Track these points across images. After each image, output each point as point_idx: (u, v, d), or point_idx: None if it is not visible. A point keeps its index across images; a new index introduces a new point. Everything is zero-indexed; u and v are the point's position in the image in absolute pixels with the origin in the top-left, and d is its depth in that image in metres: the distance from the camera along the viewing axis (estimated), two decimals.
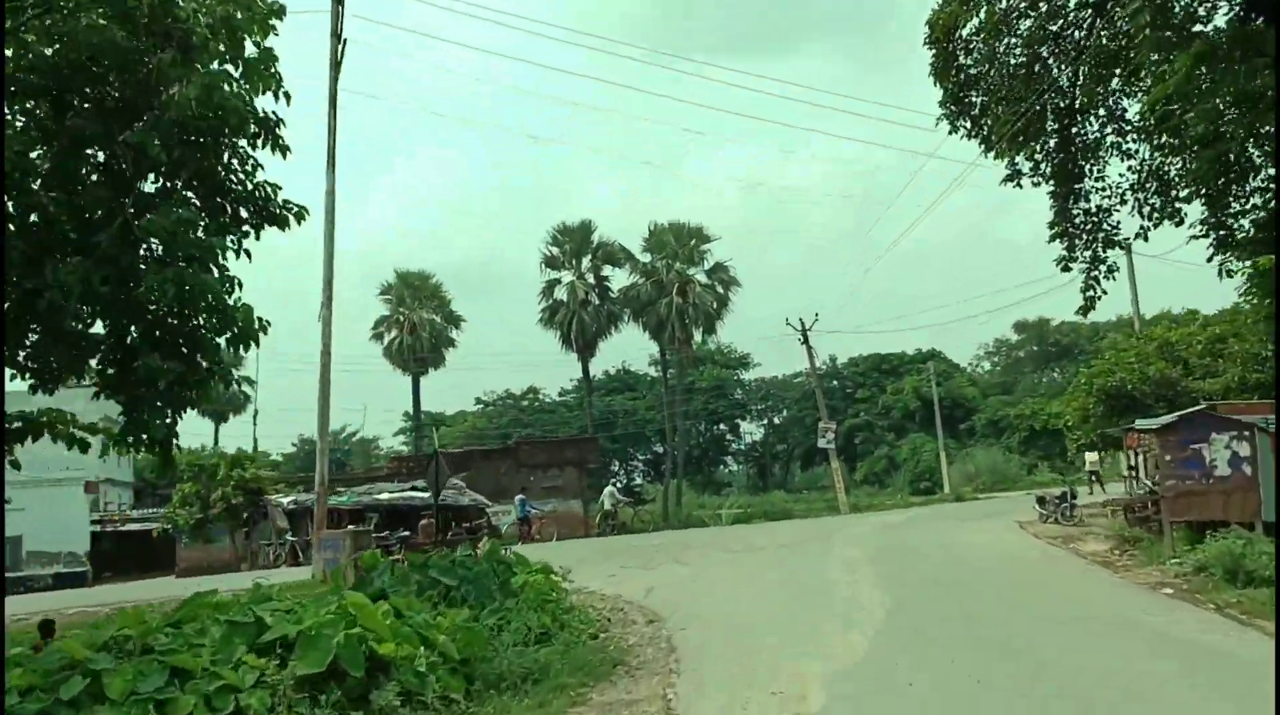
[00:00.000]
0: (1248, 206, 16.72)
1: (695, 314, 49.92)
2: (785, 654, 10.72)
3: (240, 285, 11.57)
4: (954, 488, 51.61)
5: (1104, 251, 19.14)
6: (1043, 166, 19.41)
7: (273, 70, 11.73)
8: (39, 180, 10.65)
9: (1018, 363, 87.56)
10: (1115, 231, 19.11)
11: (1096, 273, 19.02)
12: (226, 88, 11.29)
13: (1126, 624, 11.54)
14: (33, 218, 10.41)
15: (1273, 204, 16.00)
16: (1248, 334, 22.68)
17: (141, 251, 11.18)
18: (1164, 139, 17.40)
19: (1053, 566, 17.29)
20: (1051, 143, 19.26)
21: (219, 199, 11.90)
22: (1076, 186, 19.21)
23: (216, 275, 11.31)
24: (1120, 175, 18.95)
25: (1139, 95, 18.17)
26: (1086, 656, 9.85)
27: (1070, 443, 31.04)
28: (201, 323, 11.47)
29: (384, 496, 34.91)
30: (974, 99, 19.31)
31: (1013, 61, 18.87)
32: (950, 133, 19.58)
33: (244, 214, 12.08)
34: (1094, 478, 36.17)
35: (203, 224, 11.53)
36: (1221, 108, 14.25)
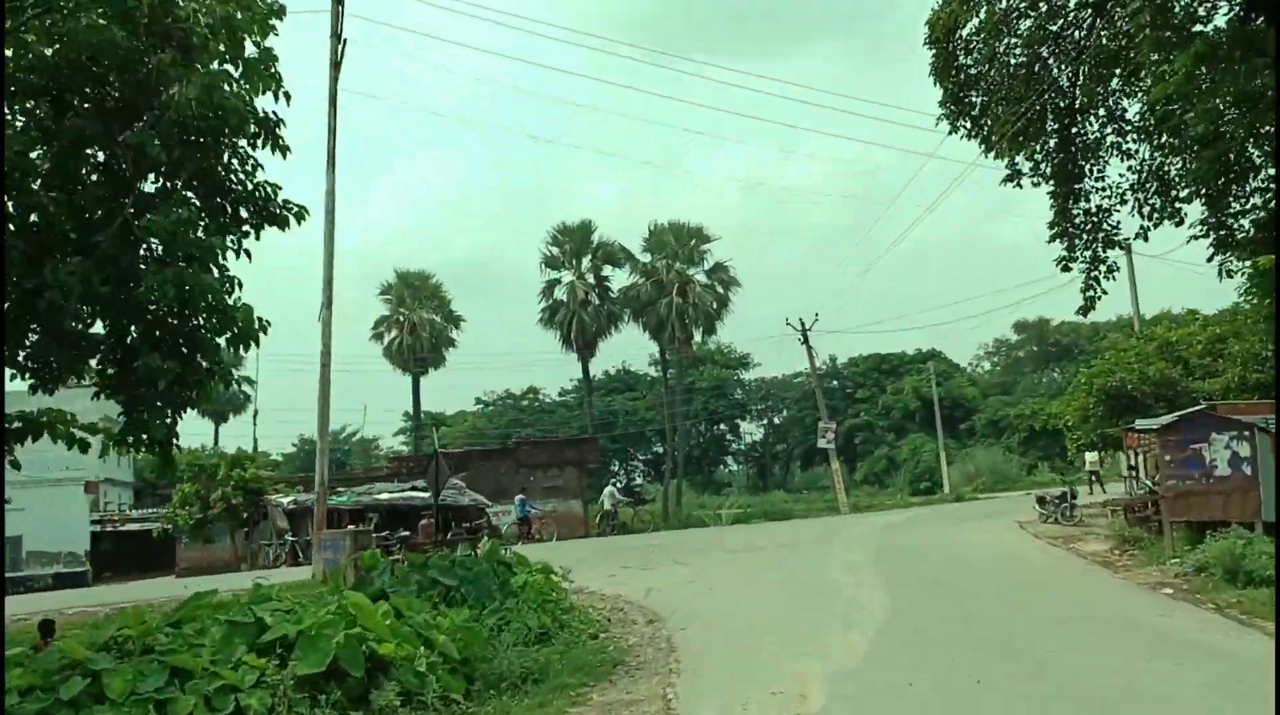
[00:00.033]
0: (1248, 206, 16.75)
1: (695, 314, 49.89)
2: (785, 654, 10.71)
3: (240, 285, 11.58)
4: (954, 488, 51.60)
5: (1104, 251, 19.17)
6: (1043, 166, 19.42)
7: (273, 70, 11.74)
8: (39, 180, 10.66)
9: (1018, 363, 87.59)
10: (1115, 231, 19.14)
11: (1096, 273, 19.04)
12: (226, 88, 11.30)
13: (1127, 624, 11.54)
14: (33, 218, 10.41)
15: (1273, 204, 16.01)
16: (1248, 334, 22.67)
17: (142, 251, 11.21)
18: (1164, 139, 17.43)
19: (1053, 567, 17.29)
20: (1051, 143, 19.28)
21: (219, 199, 11.91)
22: (1076, 186, 19.22)
23: (217, 275, 11.35)
24: (1120, 175, 19.00)
25: (1139, 95, 18.19)
26: (1087, 656, 9.84)
27: (1070, 443, 31.01)
28: (201, 323, 11.48)
29: (384, 496, 34.89)
30: (974, 99, 19.32)
31: (1013, 61, 18.90)
32: (950, 133, 19.60)
33: (244, 214, 12.08)
34: (1094, 478, 36.15)
35: (203, 224, 11.56)
36: (1222, 108, 14.24)
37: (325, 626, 8.57)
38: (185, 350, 11.46)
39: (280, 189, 12.05)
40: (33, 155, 10.61)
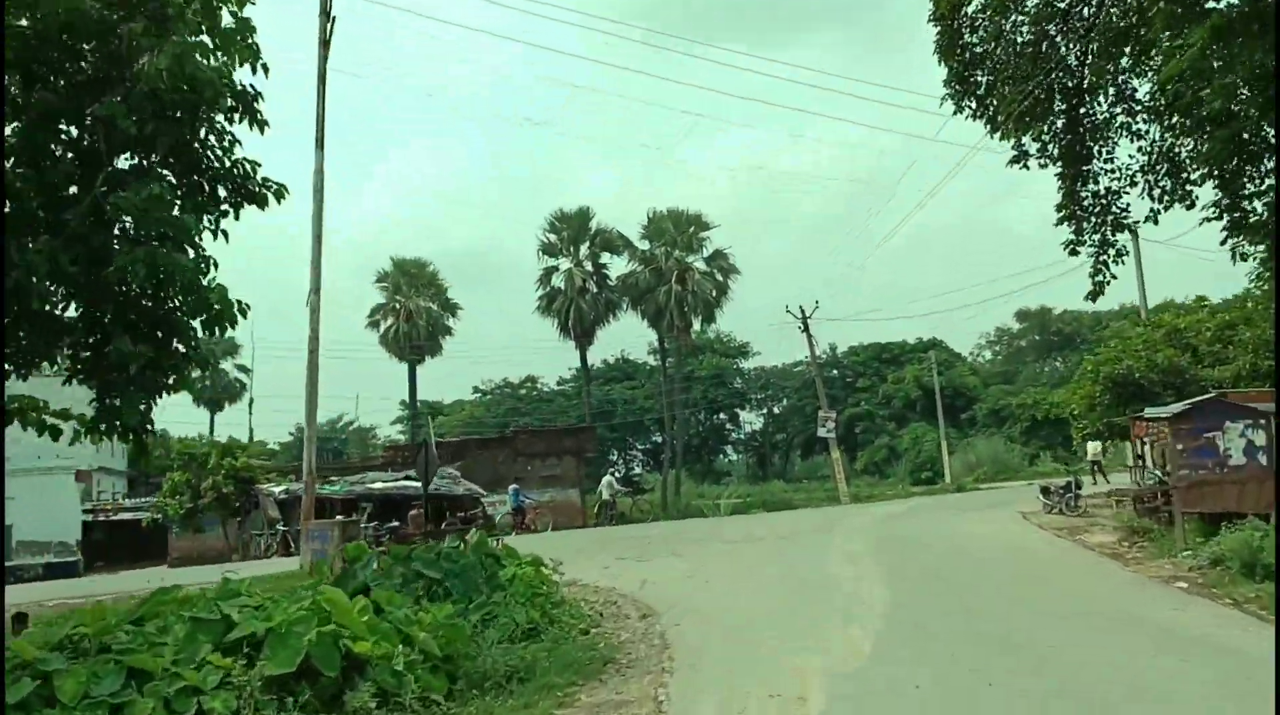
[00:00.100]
0: (1262, 188, 16.22)
1: (694, 302, 49.42)
2: (784, 651, 10.25)
3: (216, 266, 11.16)
4: (955, 478, 51.27)
5: (1113, 235, 18.62)
6: (1050, 148, 18.86)
7: (250, 42, 11.24)
8: (10, 158, 10.21)
9: (1019, 352, 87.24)
10: (1125, 214, 18.58)
11: (1105, 257, 18.50)
12: (201, 59, 10.83)
13: (1142, 620, 11.07)
14: None
15: None
16: (1259, 320, 22.17)
17: (116, 231, 10.77)
18: (1175, 119, 16.90)
19: (1061, 559, 16.85)
20: (1059, 123, 18.72)
21: (195, 176, 11.48)
22: (1085, 168, 18.66)
23: (192, 256, 10.93)
24: (1130, 157, 18.45)
25: (1149, 74, 17.66)
26: (1094, 652, 9.44)
27: (1076, 431, 30.56)
28: (176, 305, 11.06)
29: (377, 486, 34.48)
30: (979, 78, 18.74)
31: (1019, 39, 18.34)
32: (955, 113, 19.03)
33: (222, 193, 11.66)
34: (1095, 468, 35.78)
35: (179, 203, 11.14)
36: (1240, 83, 13.71)
37: (296, 624, 8.09)
38: (160, 334, 11.05)
39: (260, 166, 11.62)
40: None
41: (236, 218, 11.60)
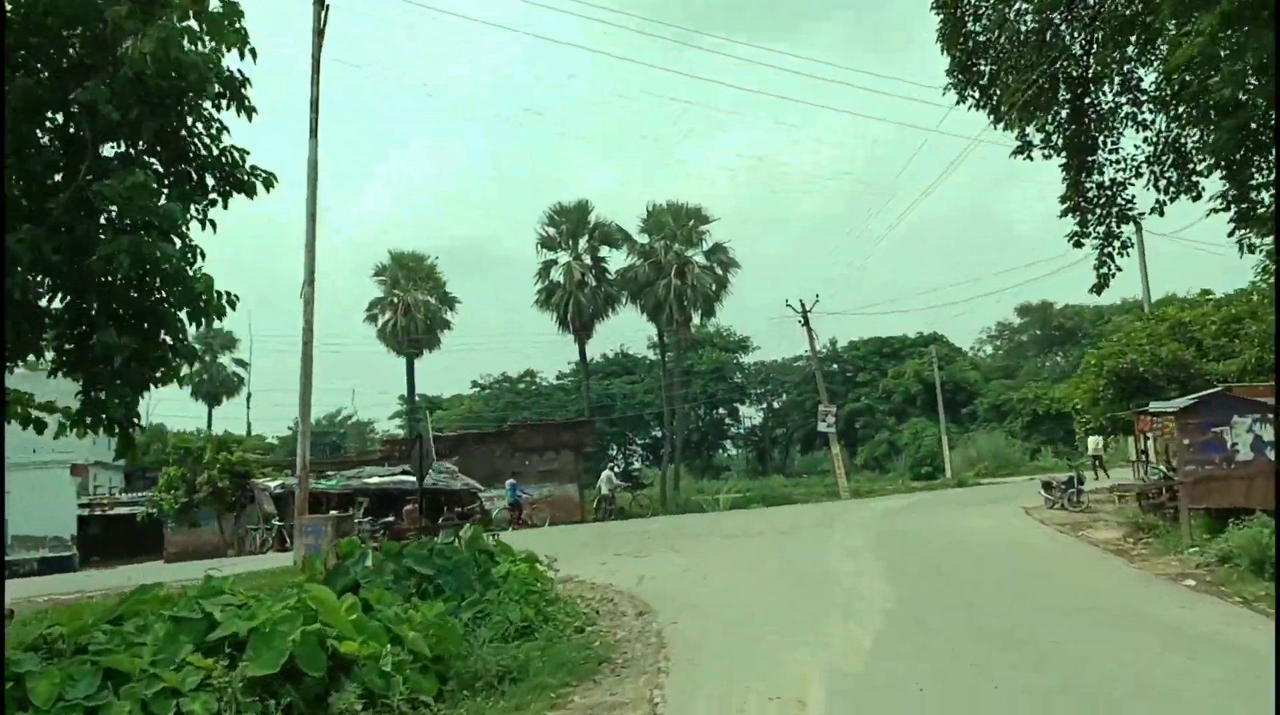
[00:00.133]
0: (1270, 178, 15.94)
1: (694, 296, 49.10)
2: (782, 650, 10.02)
3: (203, 255, 10.95)
4: (956, 473, 51.01)
5: (1118, 227, 18.34)
6: (1054, 138, 18.57)
7: (238, 26, 10.99)
8: None
9: (1020, 346, 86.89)
10: (1130, 206, 18.30)
11: (1110, 249, 18.23)
12: (188, 44, 10.59)
13: (1148, 617, 10.84)
14: None
15: None
16: (1265, 314, 21.89)
17: (102, 220, 10.55)
18: (1181, 109, 16.62)
19: (1065, 556, 16.61)
20: (1063, 113, 18.43)
21: (182, 165, 11.26)
22: (1089, 159, 18.38)
23: (179, 245, 10.70)
24: (1135, 147, 18.18)
25: (1155, 63, 17.38)
26: (1104, 650, 9.22)
27: (1079, 426, 30.29)
28: (164, 296, 10.83)
29: (373, 481, 34.20)
30: (983, 67, 18.44)
31: (1023, 27, 18.02)
32: (958, 103, 18.74)
33: (210, 181, 11.44)
34: (1096, 463, 35.54)
35: (165, 191, 10.92)
36: (1249, 70, 13.42)
37: (281, 623, 7.83)
38: (146, 325, 10.82)
39: (249, 154, 11.40)
40: None
41: (225, 207, 11.40)
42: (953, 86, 18.68)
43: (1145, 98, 17.98)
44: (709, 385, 73.04)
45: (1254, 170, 15.89)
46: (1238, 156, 15.76)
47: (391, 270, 54.05)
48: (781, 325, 62.29)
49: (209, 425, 64.97)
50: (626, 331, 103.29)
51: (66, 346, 10.84)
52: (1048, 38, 17.81)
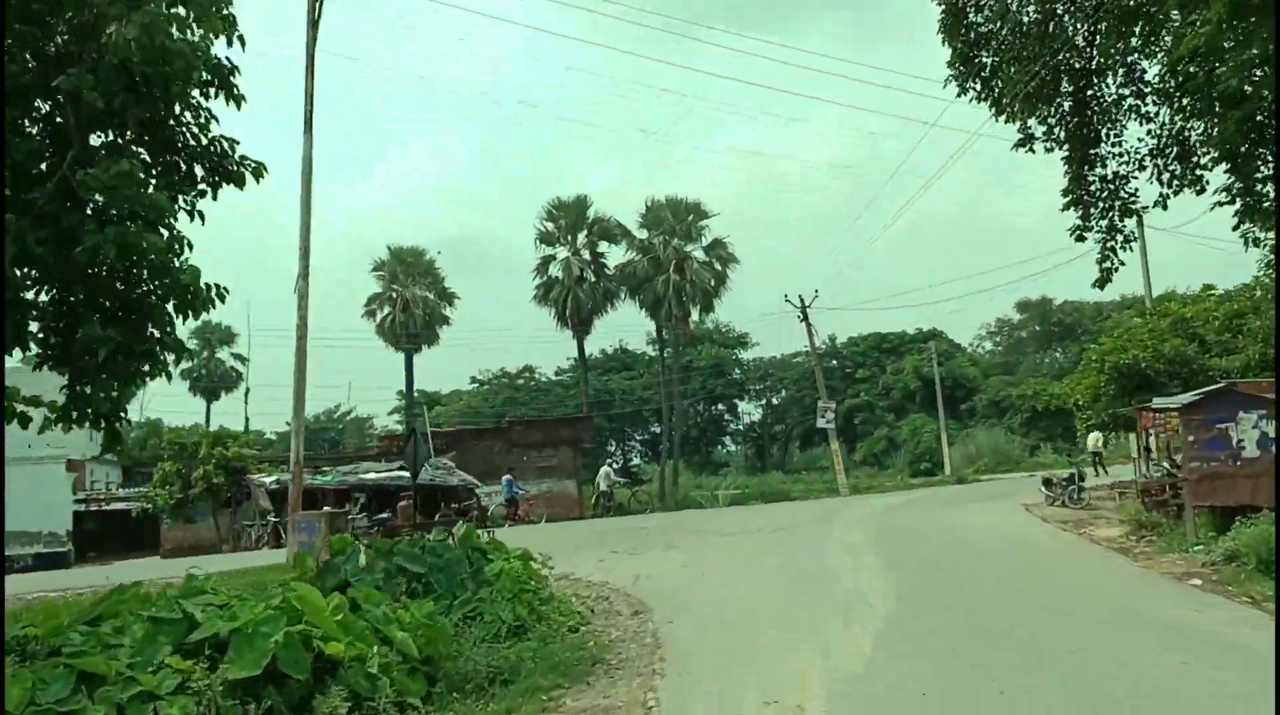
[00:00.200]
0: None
1: (693, 291, 48.75)
2: (780, 651, 9.80)
3: (190, 246, 10.74)
4: (955, 469, 50.81)
5: (1121, 220, 18.15)
6: (1056, 130, 18.41)
7: (226, 13, 10.79)
8: None
9: (1020, 342, 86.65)
10: (1133, 199, 18.11)
11: (1113, 243, 18.03)
12: (175, 30, 10.38)
13: (1157, 620, 10.58)
14: None
15: None
16: (1269, 309, 21.65)
17: (89, 211, 10.34)
18: (1186, 101, 16.41)
19: (1067, 553, 16.39)
20: (1066, 105, 18.27)
21: (170, 154, 11.06)
22: (1092, 152, 18.21)
23: (166, 236, 10.50)
24: (1139, 140, 18.00)
25: (1159, 55, 17.16)
26: (1114, 653, 8.97)
27: (1080, 422, 30.09)
28: (151, 288, 10.63)
29: (369, 476, 33.98)
30: (984, 59, 18.27)
31: (1026, 19, 17.87)
32: (959, 94, 18.56)
33: (199, 171, 11.24)
34: (1096, 459, 35.35)
35: (154, 182, 10.73)
36: (1256, 61, 13.19)
37: (263, 623, 7.62)
38: (132, 318, 10.62)
39: (238, 143, 11.21)
40: None
41: (214, 197, 11.23)
42: (954, 78, 18.49)
43: (1149, 90, 17.80)
44: (708, 381, 72.80)
45: (1259, 163, 15.66)
46: (1243, 149, 15.53)
47: (390, 265, 53.82)
48: (780, 321, 61.93)
49: (207, 421, 64.78)
50: (625, 327, 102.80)
51: (52, 339, 10.68)
52: (1050, 29, 17.63)
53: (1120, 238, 18.14)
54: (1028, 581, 13.72)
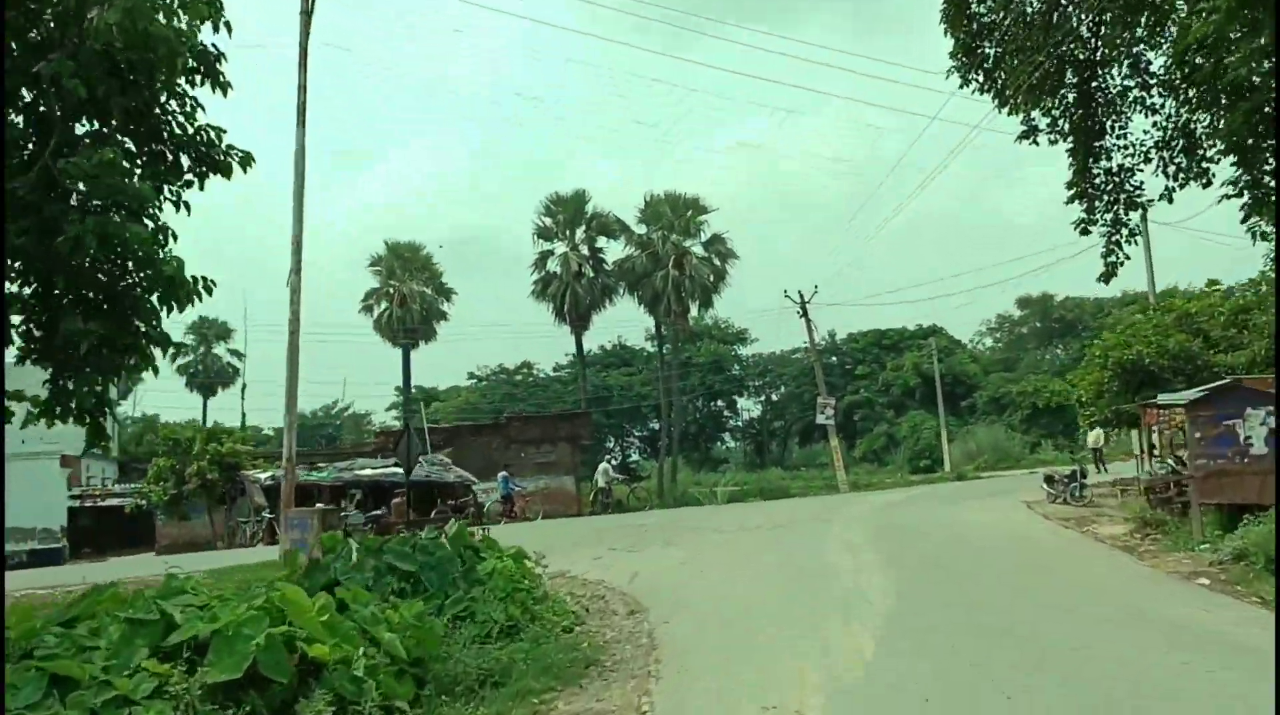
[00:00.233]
0: None
1: (692, 287, 48.45)
2: (779, 650, 9.57)
3: (175, 237, 10.55)
4: (955, 466, 50.60)
5: (1126, 214, 17.85)
6: (1060, 122, 18.07)
7: None
8: None
9: (1020, 339, 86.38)
10: (1138, 193, 17.81)
11: (1118, 237, 17.74)
12: (160, 17, 10.16)
13: (1165, 621, 10.33)
14: None
15: None
16: (1274, 305, 21.39)
17: (73, 203, 10.12)
18: (1192, 92, 16.13)
19: (1070, 552, 16.16)
20: (1070, 97, 17.93)
21: (156, 144, 10.85)
22: (1097, 144, 17.88)
23: (152, 227, 10.30)
24: (1144, 132, 17.69)
25: (1165, 45, 16.89)
26: (1117, 652, 8.77)
27: (1082, 419, 29.85)
28: (136, 280, 10.43)
29: (365, 473, 33.71)
30: (987, 49, 17.93)
31: (1029, 9, 17.53)
32: (961, 86, 18.22)
33: (185, 161, 11.04)
34: (1096, 456, 35.14)
35: (139, 172, 10.52)
36: (1265, 49, 12.92)
37: (245, 625, 7.36)
38: (116, 310, 10.40)
39: (224, 132, 11.03)
40: None
41: (201, 188, 11.08)
42: (956, 70, 18.18)
43: (1155, 81, 17.50)
44: (707, 377, 72.56)
45: (1267, 155, 15.39)
46: (1250, 141, 15.26)
47: (387, 260, 53.59)
48: (780, 317, 61.50)
49: (204, 416, 64.56)
50: (624, 323, 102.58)
51: (34, 333, 10.46)
52: (1054, 19, 17.31)
53: (1125, 231, 17.85)
54: (1029, 579, 13.52)
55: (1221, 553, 12.80)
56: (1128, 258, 17.72)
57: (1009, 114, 18.14)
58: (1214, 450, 14.68)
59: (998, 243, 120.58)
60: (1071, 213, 18.25)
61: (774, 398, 79.77)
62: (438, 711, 7.97)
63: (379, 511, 28.51)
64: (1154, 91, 17.54)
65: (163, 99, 10.79)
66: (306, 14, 21.29)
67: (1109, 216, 17.79)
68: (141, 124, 10.70)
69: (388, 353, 54.54)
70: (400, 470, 32.48)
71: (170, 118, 10.90)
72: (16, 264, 10.06)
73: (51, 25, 10.25)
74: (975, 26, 17.76)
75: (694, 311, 52.86)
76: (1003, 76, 17.78)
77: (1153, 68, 17.58)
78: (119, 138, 10.59)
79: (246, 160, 11.23)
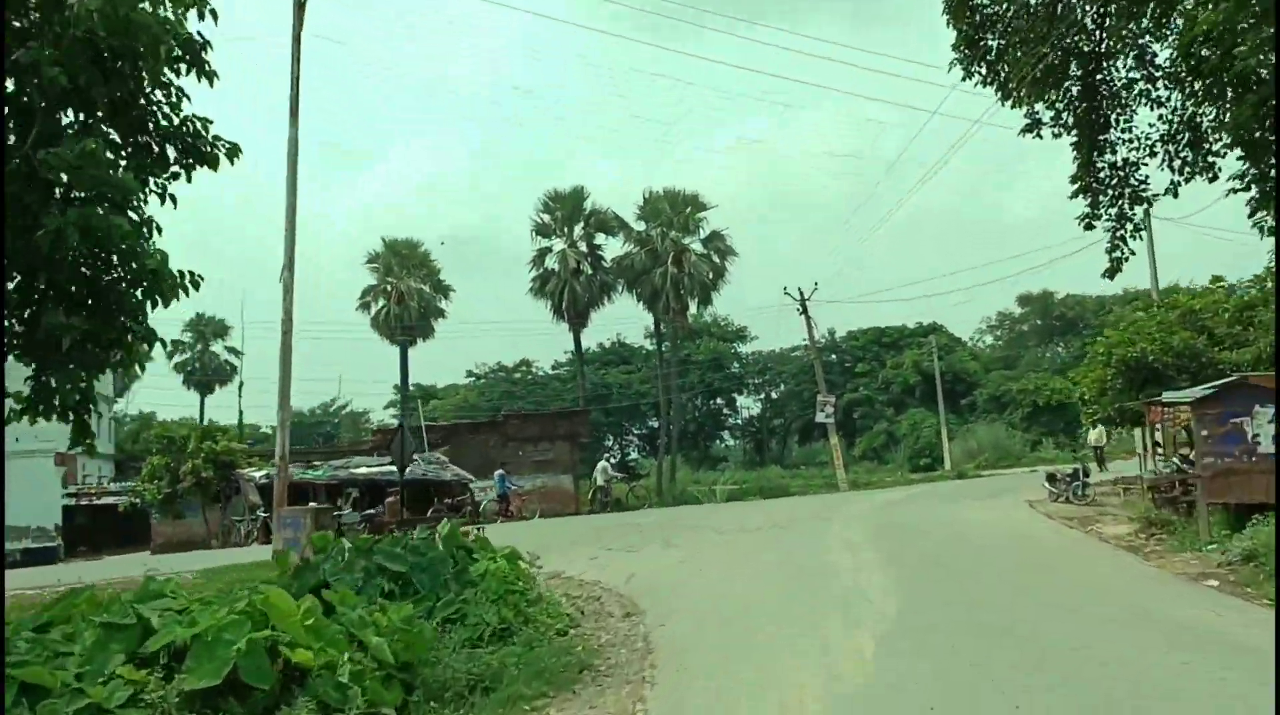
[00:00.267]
0: None
1: (691, 284, 48.18)
2: (778, 653, 9.34)
3: (159, 230, 10.30)
4: (955, 464, 50.35)
5: (1131, 208, 17.63)
6: (1064, 116, 17.89)
7: None
8: None
9: (1021, 336, 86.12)
10: (1143, 187, 17.58)
11: (1123, 232, 17.51)
12: (148, 5, 9.95)
13: (1170, 622, 10.08)
14: None
15: None
16: None
17: (56, 195, 9.87)
18: (1198, 85, 15.88)
19: (1073, 551, 15.92)
20: (1074, 90, 17.75)
21: (141, 135, 10.60)
22: (1101, 138, 17.68)
23: (136, 220, 10.05)
24: (1150, 125, 17.48)
25: (1171, 38, 16.65)
26: (1117, 652, 8.57)
27: (1085, 417, 29.61)
28: (120, 275, 10.18)
29: (361, 471, 33.43)
30: (990, 41, 17.74)
31: (1033, 0, 17.30)
32: (964, 79, 18.02)
33: (171, 153, 10.79)
34: (1097, 454, 34.91)
35: (124, 163, 10.27)
36: (1273, 40, 12.68)
37: (226, 629, 7.11)
38: (100, 305, 10.16)
39: (211, 123, 10.77)
40: None
41: (189, 180, 10.81)
42: (959, 62, 17.98)
43: (1160, 73, 17.29)
44: (706, 375, 72.29)
45: (1275, 148, 15.15)
46: (1257, 134, 15.02)
47: (384, 257, 53.32)
48: (779, 314, 61.29)
49: (201, 414, 64.32)
50: (623, 320, 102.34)
51: (16, 328, 10.22)
52: (1058, 10, 17.13)
53: (1130, 226, 17.65)
54: (1030, 578, 13.30)
55: (1230, 553, 12.53)
56: (1133, 253, 17.55)
57: (1012, 107, 17.96)
58: (1221, 448, 14.42)
59: (998, 239, 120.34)
60: (1075, 208, 18.06)
61: (773, 396, 79.50)
62: None
63: (372, 511, 28.22)
64: (1159, 84, 17.36)
65: (147, 88, 10.52)
66: (299, 6, 21.11)
67: (1114, 211, 17.60)
68: (126, 114, 10.44)
69: (386, 350, 54.36)
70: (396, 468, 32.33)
71: (155, 108, 10.65)
72: None
73: (34, 14, 9.99)
74: (978, 18, 17.57)
75: (693, 309, 52.67)
76: (1006, 69, 17.57)
77: (1158, 60, 17.42)
78: (103, 128, 10.34)
79: (234, 151, 10.99)
